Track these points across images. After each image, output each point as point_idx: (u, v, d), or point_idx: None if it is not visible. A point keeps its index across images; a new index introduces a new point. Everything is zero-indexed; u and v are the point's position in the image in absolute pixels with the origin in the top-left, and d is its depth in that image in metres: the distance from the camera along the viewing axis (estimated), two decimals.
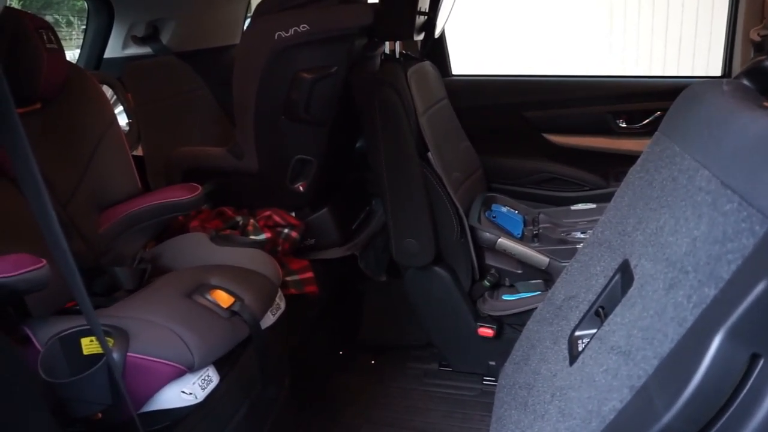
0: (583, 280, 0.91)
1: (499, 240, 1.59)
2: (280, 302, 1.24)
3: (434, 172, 1.54)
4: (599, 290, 0.82)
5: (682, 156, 0.74)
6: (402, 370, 1.75)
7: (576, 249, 1.60)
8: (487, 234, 1.61)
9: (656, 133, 0.91)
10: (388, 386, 1.69)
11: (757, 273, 0.46)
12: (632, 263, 0.75)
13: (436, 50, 2.14)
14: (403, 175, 1.48)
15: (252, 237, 1.42)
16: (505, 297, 1.62)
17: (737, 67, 1.85)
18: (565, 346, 0.85)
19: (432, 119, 1.66)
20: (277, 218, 1.55)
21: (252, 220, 1.49)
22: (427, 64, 1.79)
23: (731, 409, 0.48)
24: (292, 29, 1.46)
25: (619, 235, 0.84)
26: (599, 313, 0.80)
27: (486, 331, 1.55)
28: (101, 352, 0.85)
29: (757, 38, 1.83)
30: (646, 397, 0.55)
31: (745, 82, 0.87)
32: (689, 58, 3.37)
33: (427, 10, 1.68)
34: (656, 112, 1.99)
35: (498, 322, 1.59)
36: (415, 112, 1.54)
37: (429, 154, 1.54)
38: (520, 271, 1.63)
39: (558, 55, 3.60)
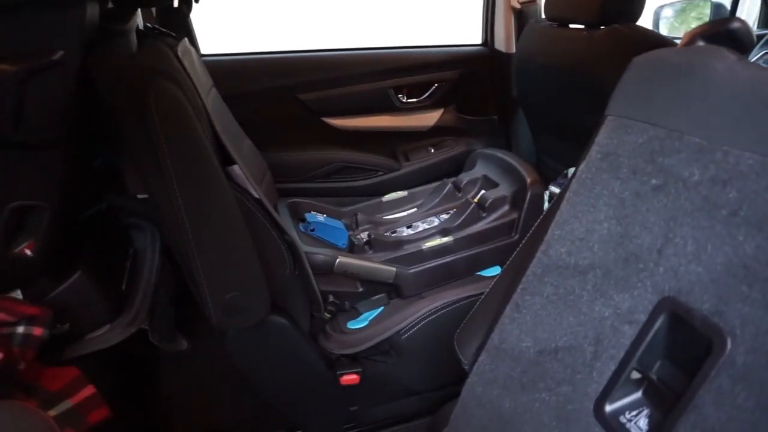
0: (573, 324, 0.69)
1: (339, 260, 1.27)
2: None
3: (245, 191, 1.12)
4: (627, 342, 0.61)
5: (717, 150, 0.55)
6: None
7: (420, 251, 1.41)
8: (320, 256, 1.27)
9: (611, 117, 0.72)
10: None
11: None
12: (694, 305, 0.55)
13: (176, 24, 1.62)
14: (210, 205, 1.01)
15: None
16: (351, 325, 1.33)
17: (499, 35, 1.87)
18: (595, 427, 0.61)
19: (215, 115, 1.20)
20: None
21: None
22: (186, 42, 1.30)
23: None
24: None
25: (623, 261, 0.63)
26: (650, 381, 0.59)
27: (351, 378, 1.24)
28: None
29: (518, 6, 1.86)
30: None
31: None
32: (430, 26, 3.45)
33: None
34: (434, 84, 1.90)
35: (355, 359, 1.29)
36: (206, 109, 1.08)
37: (235, 167, 1.10)
38: (361, 290, 1.36)
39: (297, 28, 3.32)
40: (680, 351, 0.58)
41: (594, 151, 0.73)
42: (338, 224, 1.45)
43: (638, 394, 0.61)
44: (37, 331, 0.96)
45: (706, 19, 2.22)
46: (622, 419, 0.59)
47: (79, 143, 1.06)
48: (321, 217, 1.45)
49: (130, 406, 1.21)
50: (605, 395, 0.61)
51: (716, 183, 0.56)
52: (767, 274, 0.50)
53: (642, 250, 0.62)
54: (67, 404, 0.90)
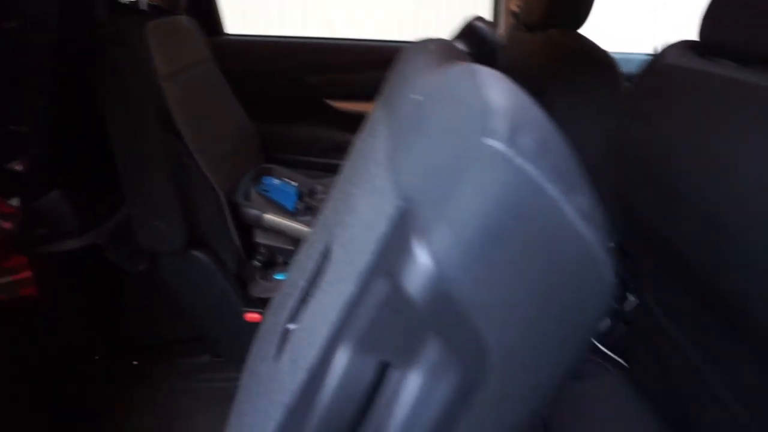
0: (303, 265, 0.82)
1: (265, 216, 1.47)
2: None
3: (184, 146, 1.35)
4: (311, 278, 0.74)
5: (379, 122, 0.66)
6: (170, 368, 1.56)
7: None
8: (251, 210, 1.47)
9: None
10: (153, 388, 1.50)
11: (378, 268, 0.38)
12: (333, 248, 0.66)
13: (203, 4, 1.91)
14: (139, 151, 1.26)
15: None
16: (278, 276, 1.52)
17: (501, 35, 1.93)
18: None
19: (186, 84, 1.45)
20: None
21: None
22: (183, 20, 1.57)
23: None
24: None
25: (330, 213, 0.76)
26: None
27: (253, 316, 1.43)
28: None
29: (516, 9, 1.90)
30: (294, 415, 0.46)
31: (459, 45, 0.83)
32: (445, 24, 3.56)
33: None
34: None
35: (267, 304, 1.48)
36: (156, 75, 1.32)
37: (178, 125, 1.34)
38: (292, 248, 1.53)
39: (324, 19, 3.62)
40: None
41: None
42: (291, 189, 1.64)
43: None
44: (7, 225, 1.27)
45: None
46: (288, 333, 0.72)
47: (72, 90, 1.36)
48: (277, 181, 1.65)
49: (94, 307, 1.51)
50: (289, 316, 0.74)
51: None
52: (346, 223, 0.61)
53: (338, 206, 0.74)
54: (8, 278, 1.20)
